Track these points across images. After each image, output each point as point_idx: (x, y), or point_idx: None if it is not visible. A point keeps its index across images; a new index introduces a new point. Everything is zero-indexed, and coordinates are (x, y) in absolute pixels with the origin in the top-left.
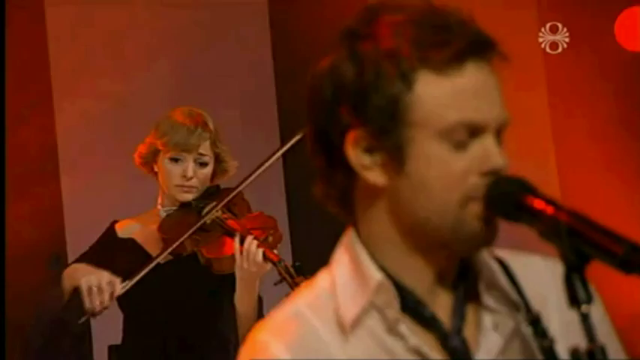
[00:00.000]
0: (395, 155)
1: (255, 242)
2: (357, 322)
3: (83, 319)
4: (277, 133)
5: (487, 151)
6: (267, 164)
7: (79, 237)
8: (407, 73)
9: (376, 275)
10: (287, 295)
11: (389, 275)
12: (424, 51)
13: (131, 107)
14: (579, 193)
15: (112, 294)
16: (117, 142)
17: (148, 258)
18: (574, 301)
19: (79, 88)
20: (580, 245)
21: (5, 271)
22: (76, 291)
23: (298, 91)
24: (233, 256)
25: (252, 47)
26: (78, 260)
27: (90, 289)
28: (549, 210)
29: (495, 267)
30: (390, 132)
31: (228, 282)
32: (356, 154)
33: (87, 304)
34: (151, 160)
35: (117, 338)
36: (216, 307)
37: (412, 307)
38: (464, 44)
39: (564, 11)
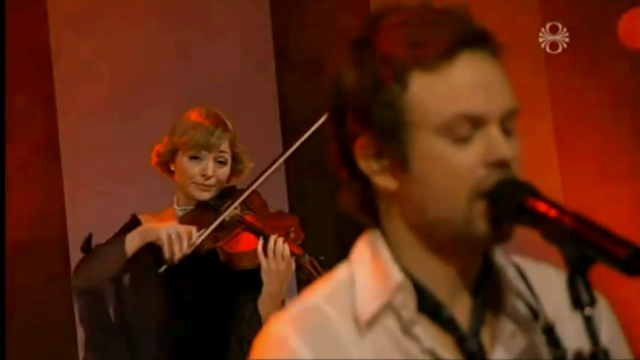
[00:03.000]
0: (400, 158)
1: (281, 239)
2: (373, 320)
3: (162, 269)
4: (279, 133)
5: (491, 142)
6: (281, 160)
7: (81, 237)
8: (401, 74)
9: (397, 275)
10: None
11: (410, 277)
12: (415, 50)
13: (133, 106)
14: (581, 193)
15: (190, 241)
16: (118, 141)
17: (163, 255)
18: (577, 303)
19: (81, 87)
20: (583, 248)
21: (5, 270)
22: (147, 247)
23: (300, 88)
24: (253, 252)
25: (254, 44)
26: (101, 246)
27: (170, 237)
28: (552, 213)
29: (514, 273)
30: (392, 135)
31: (247, 281)
32: (365, 161)
33: (166, 252)
34: (168, 159)
35: None
36: (233, 307)
37: (431, 308)
38: (453, 38)
39: (564, 11)
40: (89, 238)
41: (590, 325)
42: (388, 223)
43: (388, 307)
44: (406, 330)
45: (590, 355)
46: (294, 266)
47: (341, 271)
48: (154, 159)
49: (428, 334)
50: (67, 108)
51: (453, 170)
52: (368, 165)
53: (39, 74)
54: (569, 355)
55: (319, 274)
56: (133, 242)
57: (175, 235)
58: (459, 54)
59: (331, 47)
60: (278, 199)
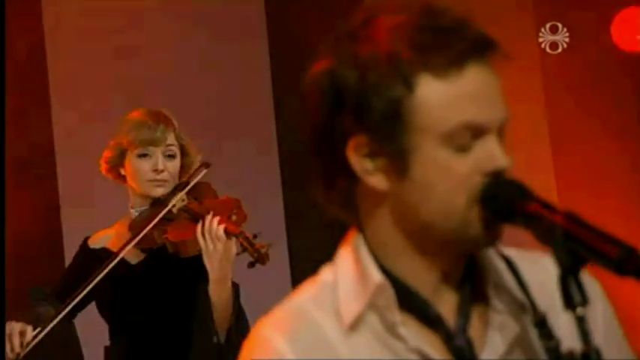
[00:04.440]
0: (398, 160)
1: (216, 219)
2: (357, 321)
3: None
4: (275, 134)
5: (490, 152)
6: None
7: (78, 237)
8: (408, 77)
9: (376, 277)
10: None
11: (393, 276)
12: (425, 54)
13: (130, 106)
14: (576, 192)
15: (24, 338)
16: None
17: (122, 262)
18: (569, 303)
19: (76, 88)
20: (575, 248)
21: (5, 270)
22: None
23: (295, 92)
24: (195, 238)
25: (249, 45)
26: (58, 282)
27: (10, 335)
28: (544, 212)
29: (502, 266)
30: (392, 137)
31: (198, 269)
32: (358, 160)
33: (7, 349)
34: (118, 162)
35: None
36: (193, 298)
37: (417, 307)
38: (464, 46)
39: (564, 11)
40: (37, 290)
41: (582, 324)
42: (371, 222)
43: (372, 307)
44: (390, 330)
45: (582, 354)
46: (235, 249)
47: (326, 274)
48: (104, 166)
49: (413, 333)
50: (63, 108)
51: (452, 178)
52: (361, 164)
53: (34, 74)
54: (562, 348)
55: (254, 248)
56: None
57: (12, 333)
58: (468, 63)
59: (326, 48)
60: (275, 205)
